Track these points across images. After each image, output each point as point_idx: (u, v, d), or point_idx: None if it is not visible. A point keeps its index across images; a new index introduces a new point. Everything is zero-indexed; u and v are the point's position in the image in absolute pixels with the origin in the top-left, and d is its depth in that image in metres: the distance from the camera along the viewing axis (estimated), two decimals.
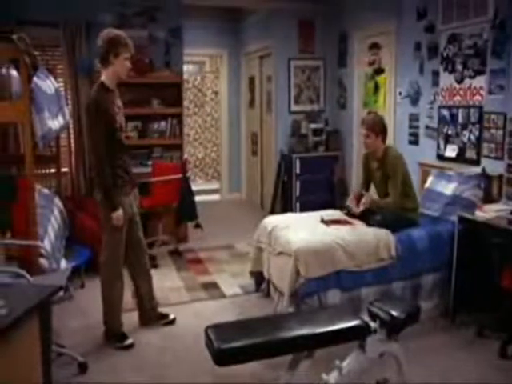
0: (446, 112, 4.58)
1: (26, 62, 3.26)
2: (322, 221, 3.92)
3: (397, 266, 3.61)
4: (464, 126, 4.38)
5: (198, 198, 5.54)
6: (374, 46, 5.69)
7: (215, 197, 8.34)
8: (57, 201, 4.74)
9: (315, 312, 3.08)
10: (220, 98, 8.29)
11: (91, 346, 3.41)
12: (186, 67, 6.98)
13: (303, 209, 5.79)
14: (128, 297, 3.73)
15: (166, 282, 4.54)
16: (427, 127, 4.86)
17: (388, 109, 5.44)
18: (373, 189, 4.12)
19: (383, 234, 3.66)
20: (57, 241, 4.02)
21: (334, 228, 3.78)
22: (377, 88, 5.70)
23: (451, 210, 3.89)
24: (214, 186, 8.71)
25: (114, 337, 3.45)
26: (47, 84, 3.81)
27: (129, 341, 3.43)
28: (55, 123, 3.79)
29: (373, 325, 2.49)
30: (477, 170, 4.08)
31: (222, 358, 2.22)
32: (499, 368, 3.09)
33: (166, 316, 3.75)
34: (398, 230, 3.71)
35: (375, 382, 2.74)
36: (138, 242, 3.59)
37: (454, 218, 3.70)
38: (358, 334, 2.47)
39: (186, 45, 6.08)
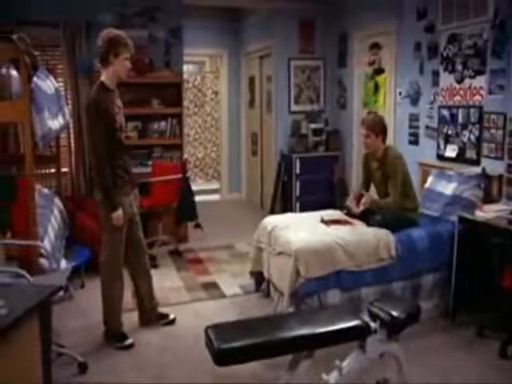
0: (446, 112, 4.59)
1: (26, 62, 3.26)
2: (322, 221, 3.92)
3: (397, 266, 3.61)
4: (464, 126, 4.38)
5: (197, 198, 5.54)
6: (374, 46, 5.69)
7: (215, 197, 8.34)
8: (57, 201, 4.74)
9: (315, 312, 3.08)
10: (220, 98, 8.29)
11: (91, 346, 3.41)
12: (185, 67, 6.98)
13: (303, 209, 5.79)
14: (128, 297, 3.73)
15: (166, 282, 4.54)
16: (427, 127, 4.86)
17: (388, 109, 5.44)
18: (373, 189, 4.12)
19: (383, 234, 3.66)
20: (57, 241, 4.02)
21: (333, 228, 3.78)
22: (377, 88, 5.70)
23: (451, 210, 3.89)
24: (214, 186, 8.71)
25: (114, 337, 3.45)
26: (47, 84, 3.81)
27: (129, 341, 3.43)
28: (55, 123, 3.79)
29: (373, 325, 2.49)
30: (477, 170, 4.08)
31: (222, 357, 2.22)
32: (499, 368, 3.09)
33: (166, 316, 3.75)
34: (398, 230, 3.71)
35: (375, 382, 2.74)
36: (138, 242, 3.59)
37: (454, 218, 3.70)
38: (358, 334, 2.47)
39: (186, 45, 6.08)
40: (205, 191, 8.17)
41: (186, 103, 7.60)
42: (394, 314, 2.51)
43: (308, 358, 2.43)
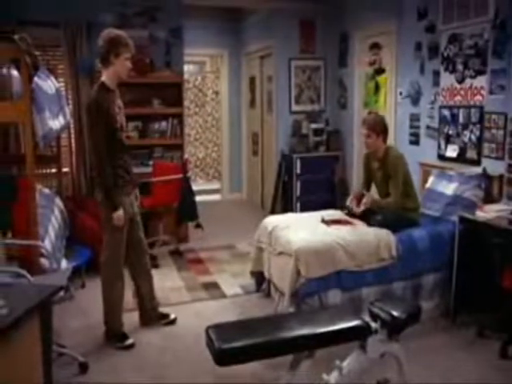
0: (446, 112, 4.58)
1: (26, 62, 3.26)
2: (323, 221, 3.92)
3: (397, 265, 3.61)
4: (465, 126, 4.37)
5: (198, 198, 5.55)
6: (375, 46, 5.69)
7: (216, 197, 8.34)
8: (57, 201, 4.74)
9: (316, 312, 3.08)
10: (221, 97, 8.29)
11: (92, 346, 3.41)
12: (186, 67, 6.98)
13: (304, 209, 5.79)
14: (129, 297, 3.73)
15: (166, 281, 4.54)
16: (428, 127, 4.86)
17: (389, 109, 5.44)
18: (374, 189, 4.12)
19: (384, 234, 3.66)
20: (57, 241, 4.03)
21: (334, 228, 3.78)
22: (377, 88, 5.70)
23: (452, 210, 3.89)
24: (215, 185, 8.71)
25: (115, 337, 3.45)
26: (48, 84, 3.82)
27: (129, 341, 3.43)
28: (56, 123, 3.79)
29: (373, 325, 2.49)
30: (477, 170, 4.08)
31: (222, 357, 2.22)
32: (500, 368, 3.09)
33: (166, 316, 3.75)
34: (398, 230, 3.71)
35: (376, 382, 2.73)
36: (139, 241, 3.59)
37: (455, 218, 3.70)
38: (358, 334, 2.47)
39: (187, 45, 6.08)
40: (205, 191, 8.18)
41: (186, 103, 7.61)
42: (395, 314, 2.51)
43: (309, 358, 2.43)
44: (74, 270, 3.80)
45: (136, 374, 3.10)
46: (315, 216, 4.09)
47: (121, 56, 3.25)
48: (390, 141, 4.51)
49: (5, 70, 3.56)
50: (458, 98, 4.43)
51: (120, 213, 3.29)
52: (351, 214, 4.01)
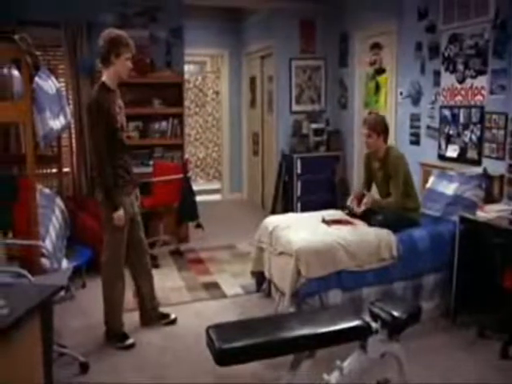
0: (447, 112, 4.58)
1: (27, 62, 3.26)
2: (323, 221, 3.92)
3: (398, 266, 3.61)
4: (465, 126, 4.37)
5: (199, 198, 5.55)
6: (375, 46, 5.69)
7: (216, 197, 8.34)
8: (58, 201, 4.74)
9: (316, 312, 3.08)
10: (221, 97, 8.29)
11: (92, 346, 3.41)
12: (187, 67, 6.99)
13: (304, 209, 5.79)
14: (129, 297, 3.73)
15: (167, 281, 4.54)
16: (428, 127, 4.85)
17: (389, 109, 5.44)
18: (374, 189, 4.12)
19: (384, 234, 3.66)
20: (58, 241, 4.03)
21: (335, 228, 3.78)
22: (378, 88, 5.70)
23: (452, 210, 3.89)
24: (215, 185, 8.71)
25: (115, 337, 3.45)
26: (49, 84, 3.82)
27: (130, 341, 3.43)
28: (56, 123, 3.79)
29: (374, 325, 2.49)
30: (478, 170, 4.08)
31: (223, 357, 2.22)
32: (500, 369, 3.09)
33: (167, 316, 3.75)
34: (399, 230, 3.71)
35: (376, 382, 2.73)
36: (140, 241, 3.59)
37: (456, 218, 3.70)
38: (359, 334, 2.47)
39: (187, 45, 6.08)
40: (206, 191, 8.18)
41: (187, 103, 7.62)
42: (395, 314, 2.51)
43: (309, 358, 2.43)
44: (75, 269, 3.79)
45: (136, 373, 3.10)
46: (316, 216, 4.09)
47: (121, 56, 3.25)
48: (391, 141, 4.51)
49: (5, 70, 3.56)
50: (459, 98, 4.43)
51: (120, 213, 3.29)
52: (352, 214, 4.01)
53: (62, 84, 5.30)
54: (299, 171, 6.21)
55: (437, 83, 4.69)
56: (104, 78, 3.32)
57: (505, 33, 3.91)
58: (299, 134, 6.38)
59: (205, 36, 7.42)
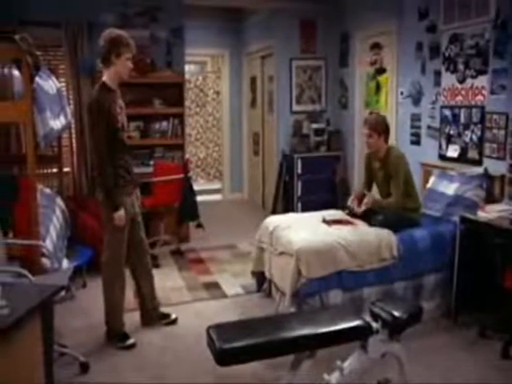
0: (447, 112, 4.58)
1: (28, 62, 3.26)
2: (324, 221, 3.92)
3: (399, 266, 3.61)
4: (466, 126, 4.37)
5: (199, 198, 5.55)
6: (376, 46, 5.69)
7: (217, 197, 8.34)
8: (59, 200, 4.74)
9: (317, 312, 3.08)
10: (222, 97, 8.29)
11: (93, 346, 3.41)
12: (187, 67, 6.98)
13: (305, 209, 5.79)
14: (130, 297, 3.73)
15: (167, 281, 4.54)
16: (429, 127, 4.85)
17: (390, 109, 5.44)
18: (375, 189, 4.12)
19: (385, 234, 3.66)
20: (59, 240, 4.03)
21: (335, 228, 3.77)
22: (378, 88, 5.70)
23: (453, 210, 3.88)
24: (216, 185, 8.71)
25: (116, 337, 3.45)
26: (49, 84, 3.82)
27: (130, 341, 3.43)
28: (57, 123, 3.79)
29: (375, 325, 2.49)
30: (479, 170, 4.08)
31: (223, 357, 2.22)
32: (501, 368, 3.08)
33: (167, 316, 3.75)
34: (399, 230, 3.70)
35: (377, 382, 2.73)
36: (140, 241, 3.59)
37: (456, 219, 3.69)
38: (359, 335, 2.47)
39: (188, 45, 6.09)
40: (206, 191, 8.18)
41: (187, 103, 7.61)
42: (396, 314, 2.51)
43: (310, 358, 2.42)
44: (75, 269, 3.80)
45: (137, 373, 3.10)
46: (316, 216, 4.09)
47: (122, 56, 3.25)
48: (391, 141, 4.50)
49: (6, 70, 3.56)
50: (459, 97, 4.43)
51: (121, 213, 3.29)
52: (352, 214, 4.00)
53: (63, 84, 5.30)
54: (300, 171, 6.21)
55: (437, 83, 4.69)
56: (104, 78, 3.32)
57: (505, 33, 3.90)
58: (300, 134, 6.38)
59: (205, 36, 7.42)
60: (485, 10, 4.07)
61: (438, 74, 4.67)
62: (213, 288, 4.43)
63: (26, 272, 2.92)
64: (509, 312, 3.36)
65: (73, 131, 5.44)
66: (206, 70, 9.56)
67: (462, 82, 4.39)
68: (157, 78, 5.69)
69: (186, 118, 6.00)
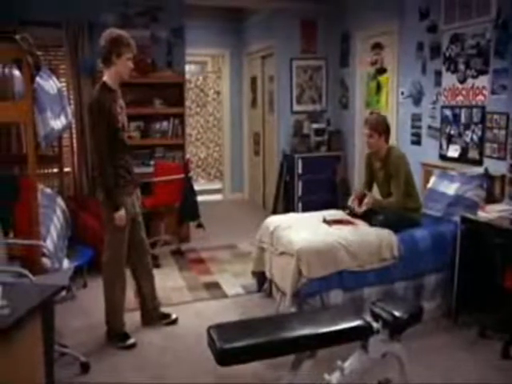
0: (448, 112, 4.58)
1: (28, 62, 3.26)
2: (324, 221, 3.92)
3: (399, 266, 3.61)
4: (467, 126, 4.37)
5: (200, 198, 5.55)
6: (377, 46, 5.69)
7: (217, 197, 8.34)
8: (59, 200, 4.74)
9: (317, 312, 3.09)
10: (222, 97, 8.29)
11: (93, 346, 3.41)
12: (188, 67, 6.99)
13: (305, 209, 5.79)
14: (130, 296, 3.74)
15: (168, 281, 4.54)
16: (430, 127, 4.85)
17: (390, 109, 5.44)
18: (375, 189, 4.12)
19: (386, 234, 3.66)
20: (59, 240, 4.03)
21: (336, 228, 3.77)
22: (379, 88, 5.70)
23: (454, 210, 3.88)
24: (217, 185, 8.71)
25: (116, 336, 3.45)
26: (50, 84, 3.82)
27: (131, 340, 3.43)
28: (57, 123, 3.79)
29: (375, 325, 2.49)
30: (479, 170, 4.08)
31: (224, 357, 2.22)
32: (501, 368, 3.08)
33: (168, 316, 3.75)
34: (400, 230, 3.70)
35: (377, 382, 2.73)
36: (141, 241, 3.59)
37: (457, 219, 3.69)
38: (360, 335, 2.47)
39: (188, 45, 6.09)
40: (207, 191, 8.18)
41: (188, 103, 7.61)
42: (397, 314, 2.51)
43: (310, 358, 2.42)
44: (76, 269, 3.80)
45: (137, 373, 3.10)
46: (317, 216, 4.09)
47: (122, 56, 3.25)
48: (392, 141, 4.51)
49: (7, 70, 3.56)
50: (460, 97, 4.43)
51: (122, 213, 3.29)
52: (353, 214, 4.00)
53: (63, 84, 5.30)
54: (300, 171, 6.21)
55: (438, 83, 4.68)
56: (105, 78, 3.32)
57: (506, 33, 3.90)
58: (300, 134, 6.38)
59: (206, 36, 7.42)
60: (486, 10, 4.07)
61: (438, 73, 4.67)
62: (213, 288, 4.43)
63: (26, 272, 2.92)
64: (509, 312, 3.36)
65: (73, 131, 5.44)
66: (206, 69, 9.56)
67: (462, 82, 4.39)
68: (157, 77, 5.69)
69: (186, 118, 6.00)
